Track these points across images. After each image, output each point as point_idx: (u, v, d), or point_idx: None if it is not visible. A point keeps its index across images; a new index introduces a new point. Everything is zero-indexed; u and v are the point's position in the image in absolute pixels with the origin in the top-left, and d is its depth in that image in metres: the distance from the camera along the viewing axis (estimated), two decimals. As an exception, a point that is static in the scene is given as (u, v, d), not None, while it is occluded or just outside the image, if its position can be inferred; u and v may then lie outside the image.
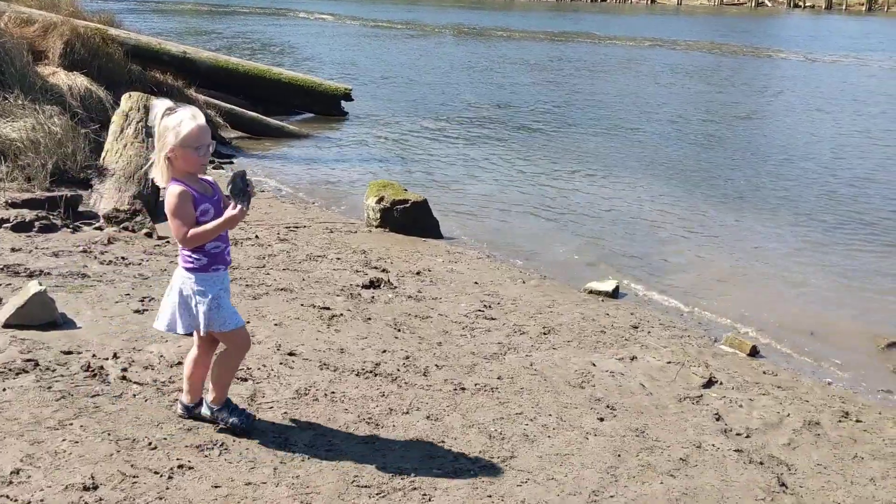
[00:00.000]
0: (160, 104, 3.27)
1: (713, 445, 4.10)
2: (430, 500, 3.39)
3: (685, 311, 6.35)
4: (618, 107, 16.10)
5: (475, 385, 4.50)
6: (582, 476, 3.68)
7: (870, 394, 5.12)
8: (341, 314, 5.34)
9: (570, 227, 8.40)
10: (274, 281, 5.88)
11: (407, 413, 4.10)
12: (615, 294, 6.49)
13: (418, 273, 6.42)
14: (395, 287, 6.01)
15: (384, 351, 4.82)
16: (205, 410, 3.73)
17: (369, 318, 5.31)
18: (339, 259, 6.58)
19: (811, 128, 14.62)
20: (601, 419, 4.26)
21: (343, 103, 13.95)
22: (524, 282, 6.60)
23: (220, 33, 26.74)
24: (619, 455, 3.90)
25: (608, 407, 4.42)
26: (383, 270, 6.38)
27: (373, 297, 5.73)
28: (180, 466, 3.47)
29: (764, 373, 5.24)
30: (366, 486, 3.44)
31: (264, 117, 12.30)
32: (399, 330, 5.19)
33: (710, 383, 4.91)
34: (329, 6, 40.26)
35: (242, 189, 3.24)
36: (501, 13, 46.03)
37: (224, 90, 12.56)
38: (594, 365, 4.98)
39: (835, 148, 12.87)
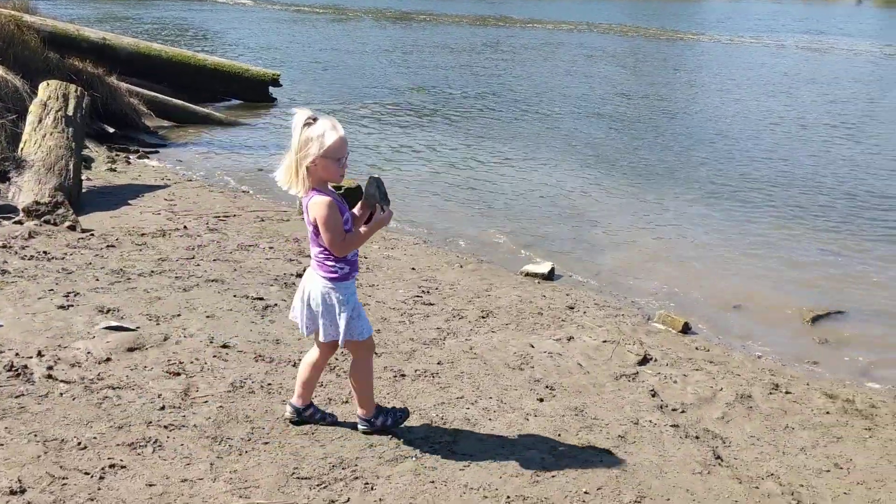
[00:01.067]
0: (301, 114, 3.25)
1: (650, 421, 4.16)
2: (372, 488, 3.36)
3: (618, 290, 6.43)
4: (541, 91, 16.20)
5: (415, 371, 4.47)
6: (524, 457, 3.69)
7: (798, 365, 5.26)
8: (275, 304, 5.25)
9: (504, 210, 8.43)
10: (204, 272, 5.73)
11: (346, 402, 4.04)
12: (551, 276, 6.54)
13: (353, 260, 6.34)
14: (331, 275, 5.93)
15: (321, 340, 4.74)
16: (361, 427, 3.72)
17: (305, 308, 5.22)
18: (271, 248, 6.46)
19: (726, 109, 14.94)
20: (541, 400, 4.29)
21: (271, 89, 13.69)
22: (461, 266, 6.60)
23: (140, 19, 25.97)
24: (559, 435, 3.93)
25: (547, 387, 4.44)
26: (318, 258, 6.28)
27: (308, 286, 5.63)
28: (112, 466, 3.36)
29: (696, 349, 5.34)
30: (306, 478, 3.39)
31: (190, 105, 11.99)
32: (335, 318, 5.11)
33: (644, 360, 4.99)
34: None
35: (384, 192, 3.34)
36: (429, -2, 45.86)
37: (147, 77, 12.19)
38: (532, 346, 5.00)
39: (749, 127, 13.20)
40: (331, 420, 3.81)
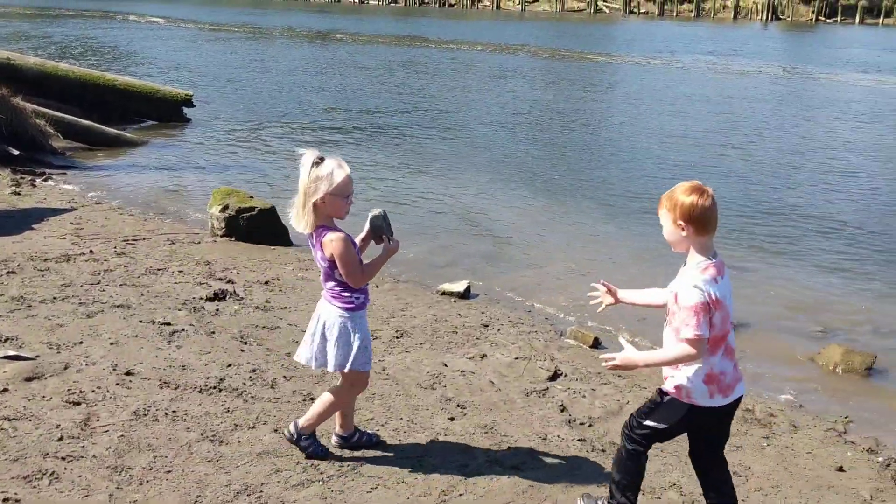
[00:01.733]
0: (310, 154, 3.41)
1: (558, 436, 4.23)
2: (277, 514, 3.32)
3: (532, 307, 6.52)
4: (455, 109, 16.40)
5: (325, 393, 4.44)
6: (432, 477, 3.70)
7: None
8: (183, 329, 5.15)
9: (421, 228, 8.47)
10: (110, 297, 5.58)
11: (253, 427, 3.99)
12: (467, 294, 6.59)
13: (267, 283, 6.28)
14: (242, 298, 5.85)
15: (229, 365, 4.68)
16: (288, 434, 3.74)
17: (213, 332, 5.14)
18: (181, 272, 6.33)
19: (633, 127, 15.36)
20: (452, 419, 4.31)
21: (185, 109, 13.47)
22: (377, 286, 6.58)
23: (49, 37, 25.24)
24: (468, 453, 3.96)
25: (459, 406, 4.47)
26: (229, 281, 6.20)
27: (217, 310, 5.55)
28: (6, 500, 3.24)
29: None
30: (209, 506, 3.33)
31: (99, 126, 11.68)
32: (245, 342, 5.05)
33: (555, 376, 5.07)
34: (161, 9, 38.84)
35: (389, 224, 3.60)
36: (348, 17, 45.88)
37: (54, 98, 11.85)
38: (446, 365, 5.03)
39: (657, 145, 13.60)
40: (376, 440, 3.93)
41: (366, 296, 3.63)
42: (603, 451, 4.13)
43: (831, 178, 11.61)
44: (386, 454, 3.87)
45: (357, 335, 3.54)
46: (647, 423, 3.23)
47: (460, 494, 3.59)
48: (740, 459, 4.20)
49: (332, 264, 3.48)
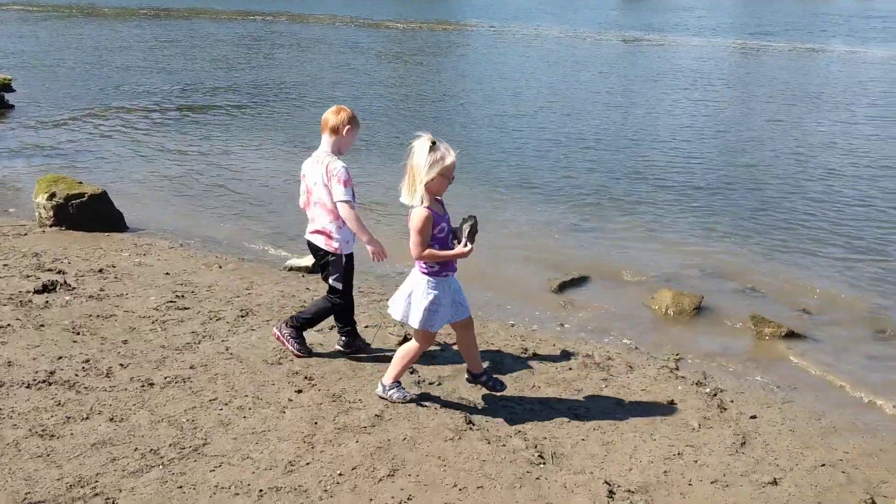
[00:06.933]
0: (425, 139, 3.81)
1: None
2: (114, 503, 3.19)
3: (383, 276, 6.53)
4: (299, 84, 16.11)
5: (165, 379, 4.30)
6: (278, 449, 3.66)
7: (546, 329, 5.62)
8: (9, 324, 4.84)
9: (264, 206, 8.29)
10: (-77, 298, 5.17)
11: (87, 419, 3.81)
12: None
13: (101, 271, 5.99)
14: (74, 288, 5.56)
15: (60, 357, 4.44)
16: (379, 389, 4.22)
17: (42, 325, 4.86)
18: (5, 265, 5.94)
19: (481, 95, 15.66)
20: (299, 391, 4.27)
21: (6, 96, 12.57)
22: (220, 267, 6.42)
23: None
24: (315, 423, 3.94)
25: (306, 378, 4.44)
26: (59, 272, 5.86)
27: (47, 302, 5.24)
28: None
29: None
30: (40, 502, 3.16)
31: None
32: (78, 333, 4.80)
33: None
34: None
35: (474, 231, 3.92)
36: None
37: None
38: (293, 340, 4.96)
39: (501, 111, 13.92)
40: (500, 388, 4.31)
41: (441, 265, 3.98)
42: (451, 407, 4.21)
43: (669, 144, 12.19)
44: (231, 432, 3.79)
45: (428, 298, 3.96)
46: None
47: (307, 463, 3.57)
48: (580, 402, 4.39)
49: None
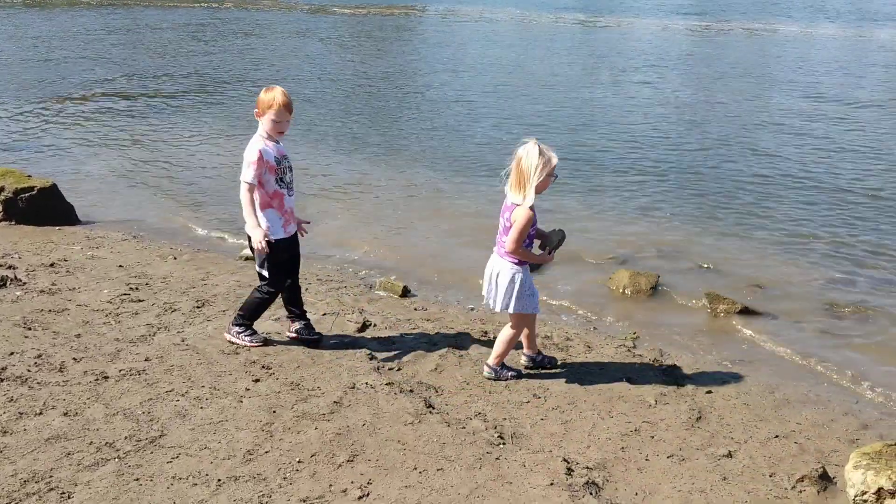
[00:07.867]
0: (533, 142, 4.11)
1: (366, 384, 4.27)
2: (69, 497, 3.15)
3: (342, 264, 6.51)
4: (254, 70, 15.91)
5: (120, 371, 4.24)
6: (236, 439, 3.64)
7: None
8: (-42, 321, 4.73)
9: (220, 196, 8.19)
10: None
11: (41, 414, 3.75)
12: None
13: (52, 265, 5.88)
14: (25, 283, 5.45)
15: (11, 353, 4.36)
16: (486, 371, 4.48)
17: (-8, 322, 4.77)
18: (-48, 262, 5.80)
19: (448, 79, 15.62)
20: (257, 380, 4.24)
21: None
22: (175, 258, 6.34)
23: None
24: (274, 411, 3.92)
25: (264, 367, 4.40)
26: (10, 267, 5.74)
27: (-3, 298, 5.14)
28: None
29: (415, 310, 5.55)
30: (-8, 500, 3.10)
31: None
32: (30, 328, 4.72)
33: (364, 327, 5.10)
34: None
35: (560, 244, 4.39)
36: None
37: None
38: (251, 329, 4.92)
39: (453, 97, 13.89)
40: (553, 363, 4.67)
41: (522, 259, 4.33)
42: (411, 391, 4.22)
43: (622, 126, 12.27)
44: (187, 423, 3.76)
45: (518, 284, 4.26)
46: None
47: (266, 452, 3.55)
48: (540, 383, 4.42)
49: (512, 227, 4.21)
